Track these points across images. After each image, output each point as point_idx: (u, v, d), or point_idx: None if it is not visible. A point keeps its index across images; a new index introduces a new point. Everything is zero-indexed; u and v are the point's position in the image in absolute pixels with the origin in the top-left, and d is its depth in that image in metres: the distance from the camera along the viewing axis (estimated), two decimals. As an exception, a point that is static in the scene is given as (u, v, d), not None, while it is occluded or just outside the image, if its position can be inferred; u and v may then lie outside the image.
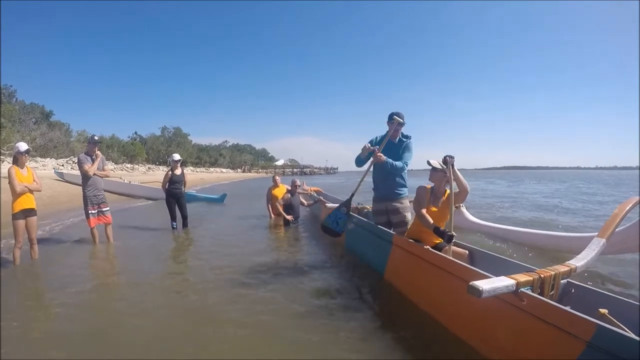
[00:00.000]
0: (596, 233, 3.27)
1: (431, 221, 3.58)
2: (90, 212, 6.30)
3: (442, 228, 3.53)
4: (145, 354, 2.72)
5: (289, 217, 8.51)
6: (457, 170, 3.67)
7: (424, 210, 3.74)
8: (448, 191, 3.76)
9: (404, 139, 4.55)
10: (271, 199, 9.67)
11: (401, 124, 4.44)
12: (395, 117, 4.35)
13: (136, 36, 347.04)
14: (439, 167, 3.76)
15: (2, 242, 6.16)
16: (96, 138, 6.53)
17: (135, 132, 69.58)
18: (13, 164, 4.94)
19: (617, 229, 3.38)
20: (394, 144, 4.53)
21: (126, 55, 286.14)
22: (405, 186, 4.56)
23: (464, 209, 7.86)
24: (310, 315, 3.35)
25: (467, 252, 3.73)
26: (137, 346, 2.84)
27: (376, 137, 4.65)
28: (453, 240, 3.40)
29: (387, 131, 4.49)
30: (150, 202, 14.98)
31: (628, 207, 3.34)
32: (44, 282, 4.53)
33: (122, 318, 3.37)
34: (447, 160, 3.66)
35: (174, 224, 8.05)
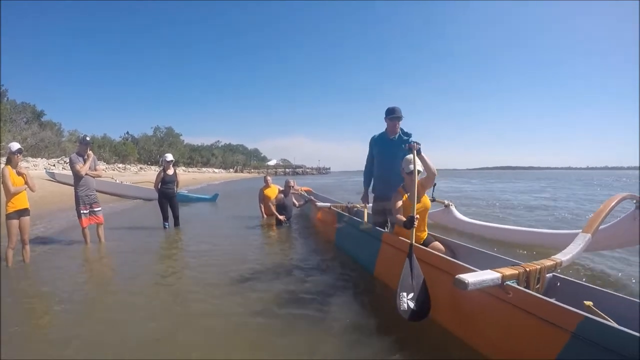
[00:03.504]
0: (580, 230, 3.35)
1: (403, 219, 3.60)
2: (82, 212, 6.29)
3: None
4: (137, 353, 2.73)
5: (281, 217, 8.52)
6: (424, 156, 3.70)
7: (398, 215, 3.80)
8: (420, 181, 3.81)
9: (406, 137, 4.45)
10: (263, 199, 9.68)
11: (398, 118, 4.42)
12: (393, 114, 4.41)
13: (128, 36, 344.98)
14: (413, 169, 3.71)
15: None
16: (87, 139, 6.50)
17: (127, 132, 68.97)
18: (6, 164, 4.93)
19: (602, 226, 3.46)
20: (392, 141, 4.49)
21: (118, 54, 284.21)
22: None
23: (453, 208, 7.83)
24: (301, 315, 3.36)
25: (443, 248, 3.82)
26: (129, 345, 2.85)
27: (375, 136, 4.70)
28: (414, 223, 3.34)
29: (386, 128, 4.54)
30: (141, 202, 14.92)
31: (613, 204, 3.43)
32: (36, 283, 4.50)
33: (114, 318, 3.37)
34: (413, 146, 3.66)
35: (166, 223, 8.07)
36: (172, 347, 2.83)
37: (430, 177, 3.86)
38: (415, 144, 3.66)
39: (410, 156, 3.80)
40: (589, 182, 36.23)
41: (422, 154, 3.70)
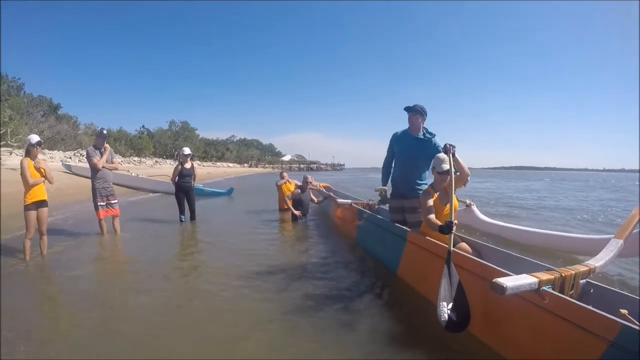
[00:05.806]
0: (612, 235, 3.22)
1: (438, 223, 3.44)
2: (99, 204, 6.36)
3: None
4: (150, 347, 2.69)
5: (297, 213, 8.46)
6: (458, 158, 3.59)
7: (431, 216, 3.63)
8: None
9: (429, 136, 4.34)
10: (279, 193, 9.71)
11: (419, 113, 4.31)
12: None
13: (145, 31, 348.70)
14: (445, 169, 3.60)
15: (3, 236, 6.18)
16: (104, 132, 6.57)
17: (143, 126, 69.51)
18: (25, 156, 4.95)
19: (634, 231, 3.32)
20: (415, 138, 4.36)
21: (135, 49, 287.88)
22: (425, 184, 4.36)
23: (474, 208, 7.70)
24: (321, 314, 3.28)
25: (470, 249, 3.69)
26: (142, 339, 2.82)
27: (397, 132, 4.61)
28: (453, 228, 3.19)
29: (408, 125, 4.43)
30: (157, 194, 15.05)
31: None
32: (52, 275, 4.50)
33: (129, 310, 3.36)
34: (448, 148, 3.52)
35: (182, 217, 8.09)
36: (187, 342, 2.77)
37: (463, 178, 3.72)
38: (450, 146, 3.52)
39: (442, 155, 3.69)
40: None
41: (457, 156, 3.57)
